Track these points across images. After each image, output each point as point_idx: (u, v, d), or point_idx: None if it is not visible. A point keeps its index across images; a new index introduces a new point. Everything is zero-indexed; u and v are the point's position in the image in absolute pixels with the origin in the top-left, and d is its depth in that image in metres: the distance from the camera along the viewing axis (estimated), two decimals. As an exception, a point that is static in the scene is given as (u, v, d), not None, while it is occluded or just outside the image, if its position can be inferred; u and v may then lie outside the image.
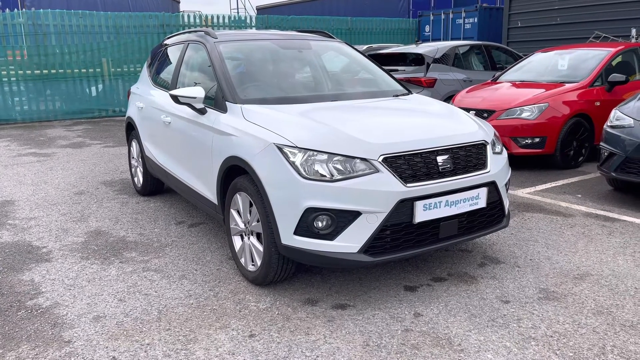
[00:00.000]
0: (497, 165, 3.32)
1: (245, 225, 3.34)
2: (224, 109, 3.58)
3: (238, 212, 3.39)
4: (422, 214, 2.95)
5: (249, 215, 3.27)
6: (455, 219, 3.12)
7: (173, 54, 4.85)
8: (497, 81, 7.68)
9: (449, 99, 8.00)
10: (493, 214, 3.35)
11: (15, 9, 12.27)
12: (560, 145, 6.41)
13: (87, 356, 2.59)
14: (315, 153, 2.90)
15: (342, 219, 2.86)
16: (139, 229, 4.51)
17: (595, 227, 4.34)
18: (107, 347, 2.67)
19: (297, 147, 2.93)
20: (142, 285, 3.39)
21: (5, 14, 11.75)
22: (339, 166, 2.89)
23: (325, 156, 2.90)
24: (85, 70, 12.70)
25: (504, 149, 3.65)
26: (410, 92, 4.26)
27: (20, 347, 2.69)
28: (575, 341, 2.65)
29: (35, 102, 12.23)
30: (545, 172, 6.37)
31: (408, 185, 2.89)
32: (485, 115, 6.60)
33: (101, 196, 5.59)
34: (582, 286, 3.27)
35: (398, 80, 4.42)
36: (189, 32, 4.74)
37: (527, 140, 6.36)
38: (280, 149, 2.96)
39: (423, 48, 8.83)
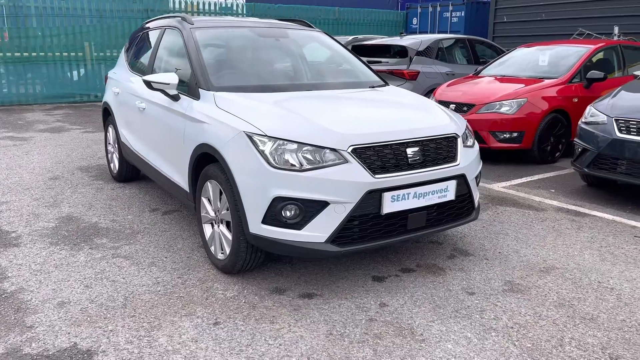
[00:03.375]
0: (467, 158, 3.34)
1: (215, 213, 3.33)
2: (196, 96, 3.55)
3: (209, 200, 3.38)
4: (390, 205, 2.97)
5: (219, 203, 3.26)
6: (424, 211, 3.14)
7: (150, 39, 4.79)
8: (479, 75, 7.71)
9: (431, 92, 8.03)
10: (462, 207, 3.38)
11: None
12: (538, 141, 6.48)
13: (49, 342, 2.57)
14: (285, 142, 2.90)
15: (310, 209, 2.86)
16: (111, 215, 4.48)
17: (565, 222, 4.40)
18: (69, 333, 2.65)
19: (266, 135, 2.92)
20: (110, 271, 3.37)
21: (-15, -6, 11.50)
22: (308, 156, 2.89)
23: (295, 145, 2.90)
24: (67, 54, 12.50)
25: (476, 142, 3.67)
26: (386, 84, 4.26)
27: (-19, 331, 2.66)
28: (535, 332, 2.69)
29: (15, 85, 12.04)
30: (522, 166, 6.44)
31: (376, 176, 2.90)
32: (465, 109, 6.64)
33: (76, 182, 5.53)
34: (546, 279, 3.32)
35: (375, 72, 4.42)
36: (167, 17, 4.68)
37: (505, 135, 6.41)
38: (250, 137, 2.95)
39: (407, 40, 8.83)
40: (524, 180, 5.80)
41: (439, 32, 16.80)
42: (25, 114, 10.63)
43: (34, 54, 12.15)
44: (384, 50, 9.02)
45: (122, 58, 5.47)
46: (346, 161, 2.89)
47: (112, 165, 5.62)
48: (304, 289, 3.15)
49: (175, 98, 3.74)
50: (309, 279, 3.29)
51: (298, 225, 2.89)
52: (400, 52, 8.71)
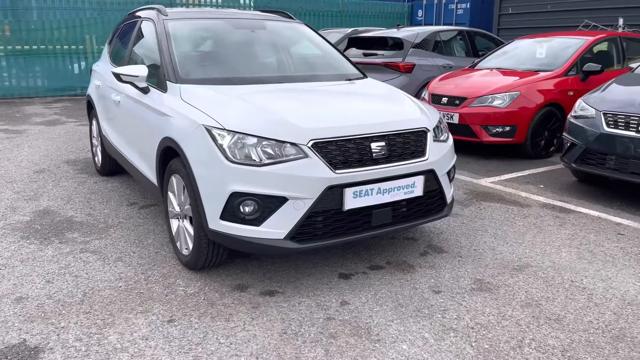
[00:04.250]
0: (437, 153, 3.25)
1: (180, 208, 3.28)
2: (164, 89, 3.50)
3: (174, 194, 3.33)
4: (352, 201, 2.89)
5: (182, 198, 3.21)
6: (389, 207, 3.06)
7: (128, 31, 4.74)
8: (475, 68, 7.57)
9: (427, 85, 7.90)
10: (432, 203, 3.29)
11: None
12: (531, 135, 6.34)
13: (-2, 338, 2.54)
14: (244, 136, 2.83)
15: (268, 205, 2.80)
16: (88, 209, 4.45)
17: (548, 218, 4.29)
18: (20, 329, 2.62)
19: (225, 129, 2.86)
20: (74, 266, 3.34)
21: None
22: (268, 150, 2.82)
23: (254, 140, 2.83)
24: (68, 47, 12.53)
25: (450, 136, 3.57)
26: (364, 77, 4.17)
27: None
28: (495, 333, 2.61)
29: (16, 78, 12.09)
30: (514, 161, 6.31)
31: (337, 171, 2.83)
32: (457, 102, 6.52)
33: (60, 175, 5.51)
34: (518, 277, 3.23)
35: (354, 64, 4.32)
36: (145, 8, 4.62)
37: (497, 129, 6.29)
38: (208, 131, 2.88)
39: (403, 32, 8.69)
40: (513, 175, 5.68)
41: (444, 24, 16.59)
42: (25, 107, 10.67)
43: (34, 47, 12.18)
44: (380, 42, 8.88)
45: (105, 50, 5.43)
46: (306, 156, 2.81)
47: (96, 158, 5.59)
48: (267, 286, 3.09)
49: (144, 91, 3.69)
50: (273, 275, 3.23)
51: (257, 221, 2.82)
52: (397, 44, 8.57)
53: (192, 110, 3.08)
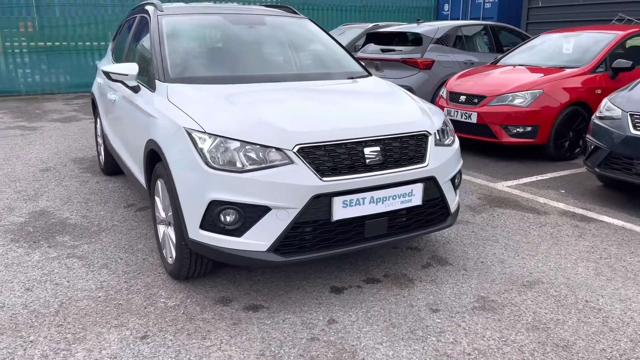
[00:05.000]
0: (439, 158, 2.99)
1: (165, 214, 3.11)
2: (153, 88, 3.33)
3: (160, 199, 3.16)
4: (342, 211, 2.67)
5: (167, 203, 3.03)
6: (385, 217, 2.82)
7: (128, 27, 4.60)
8: (497, 65, 7.22)
9: (445, 82, 7.58)
10: (433, 213, 3.04)
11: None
12: (554, 136, 5.99)
13: (-39, 352, 2.42)
14: (226, 140, 2.63)
15: (250, 214, 2.60)
16: (85, 210, 4.34)
17: (566, 228, 3.98)
18: (-13, 343, 2.49)
19: (206, 132, 2.67)
20: (57, 273, 3.21)
21: (9, -16, 11.65)
22: (252, 155, 2.62)
23: (237, 144, 2.63)
24: (90, 43, 12.60)
25: (456, 140, 3.31)
26: (369, 75, 3.93)
27: None
28: (494, 362, 2.36)
29: (39, 74, 12.22)
30: (535, 163, 5.96)
31: (325, 179, 2.61)
32: (476, 101, 6.20)
33: (65, 174, 5.44)
34: (526, 295, 2.95)
35: (359, 62, 4.08)
36: (145, 3, 4.47)
37: (518, 129, 5.95)
38: (189, 134, 2.70)
39: (423, 27, 8.36)
40: (533, 179, 5.35)
41: (471, 19, 16.12)
42: (45, 104, 10.75)
43: (57, 43, 12.28)
44: (399, 38, 8.58)
45: (110, 47, 5.31)
46: (291, 162, 2.60)
47: (100, 157, 5.50)
48: (252, 299, 2.90)
49: (135, 90, 3.53)
50: (261, 287, 3.03)
51: (238, 231, 2.63)
52: (416, 40, 8.26)
53: (176, 112, 2.90)
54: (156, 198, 3.22)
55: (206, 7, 4.18)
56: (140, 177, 3.55)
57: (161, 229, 3.24)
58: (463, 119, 6.29)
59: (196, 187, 2.63)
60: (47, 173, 5.47)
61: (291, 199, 2.56)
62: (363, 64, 4.15)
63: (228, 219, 2.61)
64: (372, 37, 8.86)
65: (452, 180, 3.15)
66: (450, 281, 3.12)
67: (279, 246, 2.63)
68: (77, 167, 5.72)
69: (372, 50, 8.67)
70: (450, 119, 6.45)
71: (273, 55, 3.81)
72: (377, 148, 2.77)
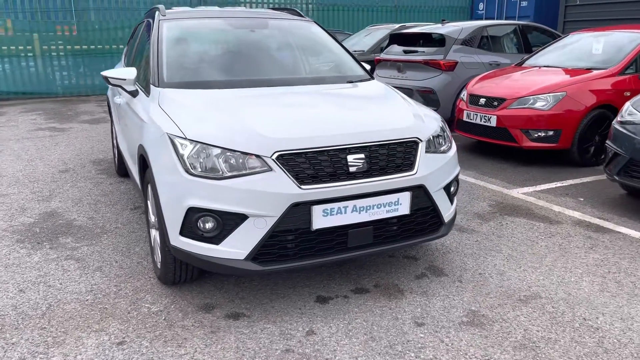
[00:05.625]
0: (430, 166, 2.88)
1: (154, 218, 3.12)
2: (148, 93, 3.35)
3: (151, 203, 3.17)
4: (322, 220, 2.60)
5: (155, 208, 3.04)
6: (370, 226, 2.74)
7: (139, 31, 4.66)
8: (522, 66, 6.98)
9: (468, 83, 7.37)
10: (424, 222, 2.93)
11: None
12: (578, 140, 5.73)
13: (-56, 352, 2.48)
14: (206, 147, 2.61)
15: (228, 222, 2.56)
16: (92, 212, 4.41)
17: (577, 239, 3.78)
18: (-30, 343, 2.55)
19: (187, 138, 2.65)
20: (52, 275, 3.27)
21: (47, -11, 12.07)
22: (232, 162, 2.59)
23: (217, 150, 2.60)
24: (123, 46, 12.91)
25: (453, 147, 3.19)
26: (371, 78, 3.84)
27: None
28: (471, 383, 2.24)
29: (76, 76, 12.61)
30: (558, 169, 5.72)
31: (304, 187, 2.55)
32: (495, 103, 6.00)
33: (82, 175, 5.57)
34: (520, 311, 2.81)
35: (362, 66, 4.00)
36: (154, 8, 4.51)
37: (539, 133, 5.72)
38: (171, 140, 2.69)
39: (447, 28, 8.17)
40: (552, 185, 5.12)
41: (506, 18, 15.71)
42: (79, 105, 11.07)
43: (92, 46, 12.65)
44: (422, 38, 8.42)
45: (124, 51, 5.40)
46: (270, 169, 2.55)
47: (115, 159, 5.60)
48: (235, 307, 2.87)
49: (133, 94, 3.56)
50: (246, 295, 2.99)
51: (216, 239, 2.60)
52: (439, 40, 8.08)
53: (163, 117, 2.90)
54: (148, 202, 3.24)
55: (210, 11, 4.19)
56: (138, 181, 3.58)
57: (152, 233, 3.25)
58: (482, 122, 6.10)
59: (176, 193, 2.62)
60: (65, 174, 5.61)
61: (269, 207, 2.52)
62: (367, 67, 4.06)
63: (206, 226, 2.59)
64: (395, 38, 8.72)
65: (446, 188, 3.03)
66: (442, 293, 3.01)
67: (256, 254, 2.59)
68: (94, 169, 5.84)
69: (395, 51, 8.54)
70: (469, 122, 6.28)
71: (271, 60, 3.77)
72: (362, 155, 2.69)
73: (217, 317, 2.77)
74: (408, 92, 7.98)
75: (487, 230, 3.97)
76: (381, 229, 2.79)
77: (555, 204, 4.54)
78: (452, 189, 3.12)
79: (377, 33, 10.86)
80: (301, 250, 2.65)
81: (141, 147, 3.04)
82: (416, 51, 8.16)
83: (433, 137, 3.03)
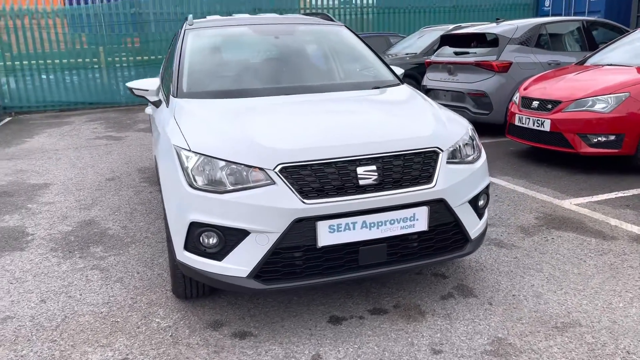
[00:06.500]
0: (452, 178, 2.65)
1: (170, 231, 3.07)
2: (168, 103, 3.33)
3: (168, 216, 3.13)
4: (328, 236, 2.44)
5: (169, 221, 2.99)
6: (383, 244, 2.54)
7: (173, 41, 4.70)
8: (584, 65, 6.47)
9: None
10: (445, 239, 2.70)
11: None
12: (644, 145, 5.20)
13: (-43, 362, 2.53)
14: (209, 159, 2.52)
15: (230, 238, 2.46)
16: (127, 221, 4.47)
17: (633, 258, 3.38)
18: (-17, 354, 2.59)
19: (191, 151, 2.57)
20: (75, 285, 3.30)
21: (111, 3, 12.65)
22: (236, 175, 2.48)
23: (222, 163, 2.50)
24: (181, 55, 13.29)
25: (482, 156, 2.93)
26: (400, 83, 3.64)
27: None
28: None
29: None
30: (620, 177, 5.22)
31: (307, 201, 2.40)
32: (550, 106, 5.58)
33: (126, 183, 5.69)
34: (554, 340, 2.51)
35: (392, 71, 3.80)
36: (186, 17, 4.53)
37: (598, 138, 5.25)
38: (177, 152, 2.63)
39: (500, 27, 7.74)
40: (611, 195, 4.67)
41: (575, 14, 14.81)
42: (139, 114, 11.48)
43: (152, 57, 13.11)
44: (475, 39, 8.04)
45: (163, 61, 5.48)
46: (273, 182, 2.42)
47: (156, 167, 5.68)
48: (244, 325, 2.76)
49: (156, 104, 3.56)
50: (257, 312, 2.88)
51: (219, 255, 2.50)
52: (493, 41, 7.67)
53: (174, 128, 2.85)
54: (166, 214, 3.20)
55: (238, 19, 4.13)
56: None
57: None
58: (535, 127, 5.69)
59: (179, 207, 2.55)
60: (111, 182, 5.76)
61: (270, 223, 2.39)
62: (398, 72, 3.86)
63: (209, 241, 2.50)
64: (447, 39, 8.39)
65: (473, 202, 2.78)
66: (467, 317, 2.75)
67: (259, 272, 2.46)
68: (139, 177, 5.97)
69: (446, 53, 8.20)
70: (521, 127, 5.88)
71: (294, 67, 3.65)
72: (373, 167, 2.50)
73: (224, 335, 2.67)
74: (459, 95, 7.63)
75: (529, 245, 3.64)
76: (396, 247, 2.59)
77: (612, 217, 4.12)
78: (480, 202, 2.86)
79: (430, 35, 10.52)
80: (308, 268, 2.50)
81: (155, 158, 3.01)
82: (468, 52, 7.80)
83: (459, 145, 2.79)
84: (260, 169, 2.45)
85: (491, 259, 3.44)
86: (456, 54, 7.94)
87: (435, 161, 2.64)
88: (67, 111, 12.20)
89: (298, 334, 2.66)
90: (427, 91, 8.26)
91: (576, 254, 3.47)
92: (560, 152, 5.60)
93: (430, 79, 8.25)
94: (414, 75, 9.69)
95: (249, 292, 2.62)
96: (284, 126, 2.71)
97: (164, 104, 3.45)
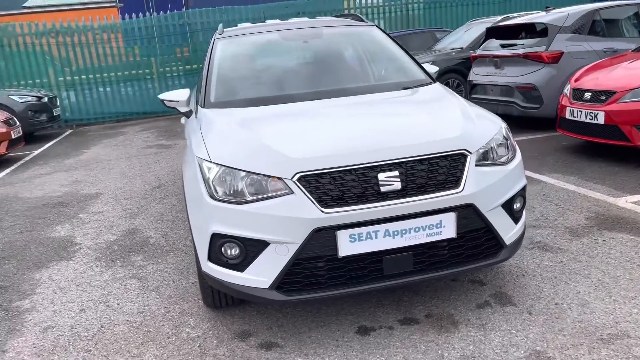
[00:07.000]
0: (483, 181, 2.51)
1: (199, 241, 3.09)
2: (196, 113, 3.36)
3: (197, 226, 3.16)
4: (349, 246, 2.37)
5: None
6: (409, 252, 2.44)
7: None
8: (642, 51, 6.04)
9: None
10: (476, 245, 2.56)
11: (175, 10, 13.52)
12: None
13: (-1, 371, 2.64)
14: (230, 170, 2.51)
15: (251, 249, 2.44)
16: (168, 229, 4.57)
17: (693, 261, 3.10)
18: (23, 363, 2.69)
19: (212, 162, 2.57)
20: (114, 294, 3.39)
21: (160, 15, 13.07)
22: (255, 185, 2.46)
23: (240, 173, 2.49)
24: (229, 62, 13.54)
25: (517, 157, 2.76)
26: (432, 82, 3.51)
27: (-37, 351, 2.86)
28: None
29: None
30: (684, 171, 4.83)
31: (326, 210, 2.33)
32: (603, 97, 5.25)
33: (171, 191, 5.83)
34: (598, 354, 2.32)
35: (424, 69, 3.67)
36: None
37: (658, 130, 4.88)
38: (199, 164, 2.63)
39: (550, 15, 7.36)
40: (672, 191, 4.32)
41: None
42: (189, 121, 11.74)
43: (201, 65, 13.41)
44: (523, 30, 7.69)
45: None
46: (291, 192, 2.38)
47: (199, 175, 5.78)
48: (271, 336, 2.73)
49: (187, 115, 3.61)
50: (285, 323, 2.84)
51: (240, 266, 2.48)
52: (542, 30, 7.31)
53: (198, 139, 2.86)
54: (197, 224, 3.22)
55: (267, 25, 4.12)
56: (194, 201, 3.61)
57: (202, 254, 3.23)
58: (588, 120, 5.37)
59: (201, 218, 2.56)
60: (157, 190, 5.92)
61: (289, 233, 2.34)
62: (432, 71, 3.72)
63: (231, 252, 2.49)
64: (493, 31, 8.08)
65: (507, 205, 2.62)
66: (503, 327, 2.60)
67: (281, 283, 2.42)
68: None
69: (493, 46, 7.90)
70: (573, 120, 5.56)
71: (320, 71, 3.59)
72: (396, 173, 2.41)
73: (250, 346, 2.66)
74: (507, 89, 7.32)
75: (577, 248, 3.41)
76: (423, 255, 2.48)
77: (672, 215, 3.80)
78: (515, 205, 2.70)
79: (477, 28, 10.18)
80: (330, 278, 2.43)
81: (182, 169, 3.04)
82: (515, 44, 7.47)
83: (491, 146, 2.64)
84: (279, 178, 2.41)
85: (534, 264, 3.24)
86: (503, 46, 7.63)
87: (463, 164, 2.50)
88: (122, 121, 12.70)
89: (324, 345, 2.60)
90: (473, 86, 8.00)
91: (629, 258, 3.22)
92: (615, 146, 5.25)
93: (477, 74, 7.97)
94: (461, 70, 9.42)
95: (271, 304, 2.58)
96: (304, 133, 2.66)
97: (193, 115, 3.48)
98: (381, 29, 4.03)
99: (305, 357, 2.51)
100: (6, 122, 8.19)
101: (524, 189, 2.76)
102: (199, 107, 3.33)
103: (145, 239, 4.37)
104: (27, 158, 8.76)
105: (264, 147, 2.56)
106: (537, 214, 4.09)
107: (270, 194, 2.41)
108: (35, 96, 10.43)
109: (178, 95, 3.50)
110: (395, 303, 2.93)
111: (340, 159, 2.40)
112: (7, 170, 7.81)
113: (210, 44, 3.85)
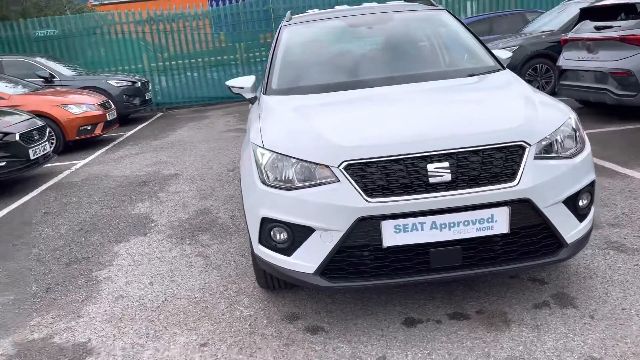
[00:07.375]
0: (542, 175, 2.37)
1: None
2: (259, 100, 3.45)
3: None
4: (393, 237, 2.34)
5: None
6: (457, 246, 2.37)
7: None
8: None
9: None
10: (533, 242, 2.43)
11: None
12: None
13: (71, 337, 2.90)
14: (280, 157, 2.56)
15: (298, 234, 2.49)
16: (236, 210, 4.75)
17: None
18: (95, 328, 2.95)
19: (265, 148, 2.64)
20: (180, 270, 3.59)
21: (246, 2, 13.42)
22: (304, 172, 2.50)
23: (290, 160, 2.53)
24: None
25: (585, 150, 2.58)
26: (502, 69, 3.34)
27: (44, 315, 3.16)
28: None
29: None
30: None
31: (371, 200, 2.32)
32: None
33: (243, 174, 6.03)
34: (661, 368, 2.14)
35: (493, 54, 3.50)
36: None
37: None
38: (253, 150, 2.71)
39: (653, -6, 6.70)
40: None
41: None
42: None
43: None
44: (620, 10, 7.06)
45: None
46: (337, 180, 2.39)
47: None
48: (318, 320, 2.77)
49: (251, 101, 3.71)
50: (334, 308, 2.88)
51: (288, 250, 2.54)
52: (644, 10, 6.67)
53: (256, 125, 2.94)
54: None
55: (334, 11, 4.12)
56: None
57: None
58: (688, 110, 4.86)
59: (253, 202, 2.64)
60: (231, 173, 6.15)
61: (334, 221, 2.36)
62: (503, 56, 3.55)
63: (280, 236, 2.55)
64: (588, 12, 7.49)
65: (570, 201, 2.46)
66: (560, 330, 2.46)
67: (325, 270, 2.45)
68: (256, 168, 6.28)
69: (586, 29, 7.33)
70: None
71: (384, 58, 3.54)
72: (446, 164, 2.34)
73: (297, 328, 2.72)
74: (600, 75, 6.79)
75: (656, 251, 3.14)
76: (473, 249, 2.40)
77: None
78: (581, 202, 2.53)
79: (572, 9, 9.48)
80: (375, 268, 2.43)
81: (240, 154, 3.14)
82: (611, 27, 6.88)
83: (556, 138, 2.49)
84: (326, 166, 2.42)
85: (605, 265, 3.02)
86: (597, 28, 7.06)
87: (521, 156, 2.38)
88: (208, 105, 13.26)
89: (369, 333, 2.60)
90: (562, 72, 7.49)
91: None
92: None
93: (567, 59, 7.45)
94: (551, 54, 8.87)
95: (315, 289, 2.62)
96: (355, 122, 2.65)
97: (256, 101, 3.58)
98: (451, 14, 3.88)
99: (349, 344, 2.53)
100: (102, 105, 8.84)
101: (592, 184, 2.58)
102: (261, 94, 3.41)
103: (214, 219, 4.57)
104: (120, 139, 9.42)
105: (315, 134, 2.58)
106: (618, 211, 3.79)
107: (318, 181, 2.43)
108: (130, 81, 11.14)
109: (244, 82, 3.61)
110: (447, 296, 2.86)
111: (388, 149, 2.37)
112: (102, 150, 8.45)
113: (277, 31, 3.91)
